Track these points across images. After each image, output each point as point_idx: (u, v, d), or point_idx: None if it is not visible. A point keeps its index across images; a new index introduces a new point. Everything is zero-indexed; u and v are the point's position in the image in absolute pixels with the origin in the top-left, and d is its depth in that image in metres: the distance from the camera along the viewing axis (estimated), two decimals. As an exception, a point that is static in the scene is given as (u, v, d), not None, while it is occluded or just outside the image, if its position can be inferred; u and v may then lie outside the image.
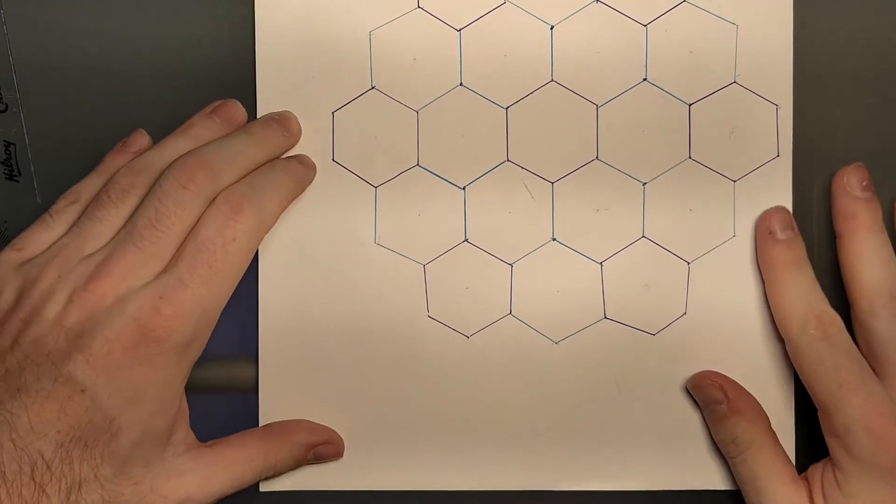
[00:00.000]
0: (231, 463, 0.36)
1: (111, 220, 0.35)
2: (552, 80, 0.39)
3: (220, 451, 0.36)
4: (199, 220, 0.35)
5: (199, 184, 0.35)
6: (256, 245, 0.35)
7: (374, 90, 0.39)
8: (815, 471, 0.37)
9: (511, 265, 0.40)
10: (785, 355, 0.39)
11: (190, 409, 0.36)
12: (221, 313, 0.35)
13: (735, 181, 0.39)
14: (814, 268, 0.39)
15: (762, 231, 0.39)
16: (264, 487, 0.40)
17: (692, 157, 0.39)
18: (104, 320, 0.33)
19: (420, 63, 0.39)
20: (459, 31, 0.39)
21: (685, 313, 0.39)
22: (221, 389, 0.40)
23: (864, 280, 0.37)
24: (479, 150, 0.39)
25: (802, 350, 0.36)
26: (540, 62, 0.39)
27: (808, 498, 0.36)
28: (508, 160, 0.39)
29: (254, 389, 0.40)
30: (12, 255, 0.35)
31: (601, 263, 0.39)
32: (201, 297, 0.34)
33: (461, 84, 0.39)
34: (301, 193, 0.39)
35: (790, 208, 0.39)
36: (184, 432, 0.36)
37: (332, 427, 0.39)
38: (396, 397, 0.40)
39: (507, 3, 0.39)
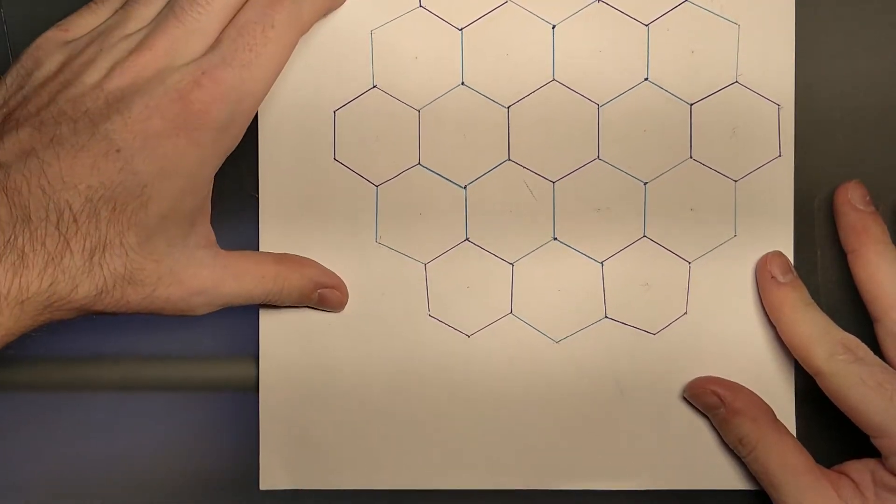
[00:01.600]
0: (243, 273, 0.36)
1: (156, 2, 0.35)
2: (553, 80, 0.39)
3: (236, 259, 0.36)
4: (238, 10, 0.34)
5: None
6: (293, 42, 0.35)
7: (375, 89, 0.39)
8: (860, 471, 0.37)
9: (512, 264, 0.40)
10: (785, 354, 0.39)
11: (190, 410, 0.36)
12: (221, 314, 0.35)
13: (736, 181, 0.39)
14: (818, 271, 0.39)
15: (764, 276, 0.39)
16: (264, 486, 0.40)
17: (693, 156, 0.39)
18: (145, 88, 0.33)
19: (421, 62, 0.39)
20: (461, 30, 0.39)
21: (686, 313, 0.39)
22: (221, 389, 0.40)
23: (891, 293, 0.37)
24: (480, 150, 0.39)
25: (839, 377, 0.36)
26: (541, 62, 0.39)
27: (833, 488, 0.36)
28: (510, 159, 0.39)
29: (254, 389, 0.40)
30: (58, 34, 0.35)
31: (602, 263, 0.39)
32: (241, 79, 0.33)
33: (462, 83, 0.39)
34: (340, 5, 0.38)
35: (791, 208, 0.39)
36: (206, 227, 0.36)
37: (332, 426, 0.39)
38: (397, 396, 0.40)
39: (509, 2, 0.39)
